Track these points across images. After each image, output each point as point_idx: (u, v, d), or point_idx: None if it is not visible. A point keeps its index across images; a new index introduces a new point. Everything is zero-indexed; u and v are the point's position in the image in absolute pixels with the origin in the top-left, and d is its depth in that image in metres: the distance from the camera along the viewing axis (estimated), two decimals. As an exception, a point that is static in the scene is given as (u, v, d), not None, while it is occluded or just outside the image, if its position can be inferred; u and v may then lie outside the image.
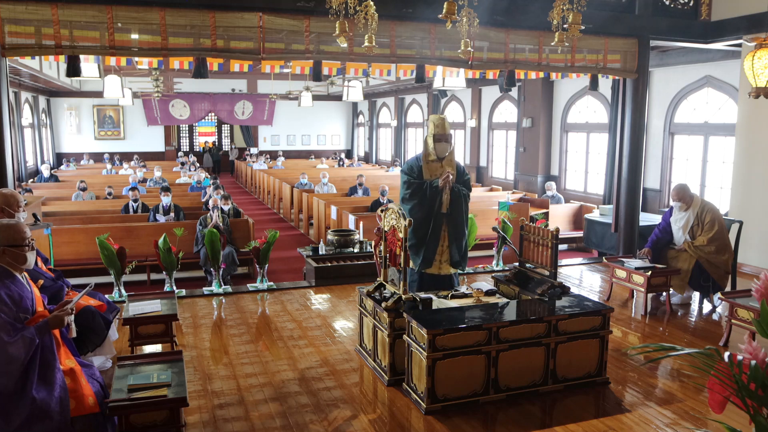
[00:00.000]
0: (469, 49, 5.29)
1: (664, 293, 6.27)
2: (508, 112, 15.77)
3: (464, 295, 4.79)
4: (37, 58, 11.53)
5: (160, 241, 6.49)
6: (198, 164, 21.40)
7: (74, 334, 3.45)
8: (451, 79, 9.98)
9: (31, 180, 15.21)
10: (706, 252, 6.14)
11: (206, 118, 25.13)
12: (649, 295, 6.24)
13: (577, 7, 4.86)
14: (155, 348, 4.95)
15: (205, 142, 27.02)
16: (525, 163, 14.27)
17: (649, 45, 8.11)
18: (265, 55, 6.41)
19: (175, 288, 6.49)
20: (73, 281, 5.09)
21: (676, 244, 6.42)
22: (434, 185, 5.11)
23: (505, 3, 6.92)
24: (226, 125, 26.66)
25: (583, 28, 4.92)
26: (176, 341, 4.82)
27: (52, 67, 15.28)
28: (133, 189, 10.20)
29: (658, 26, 7.92)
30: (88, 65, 9.87)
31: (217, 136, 27.48)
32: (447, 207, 5.13)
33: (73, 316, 3.31)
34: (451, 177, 5.11)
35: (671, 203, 6.43)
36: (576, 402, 4.19)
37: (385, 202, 10.08)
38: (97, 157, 21.81)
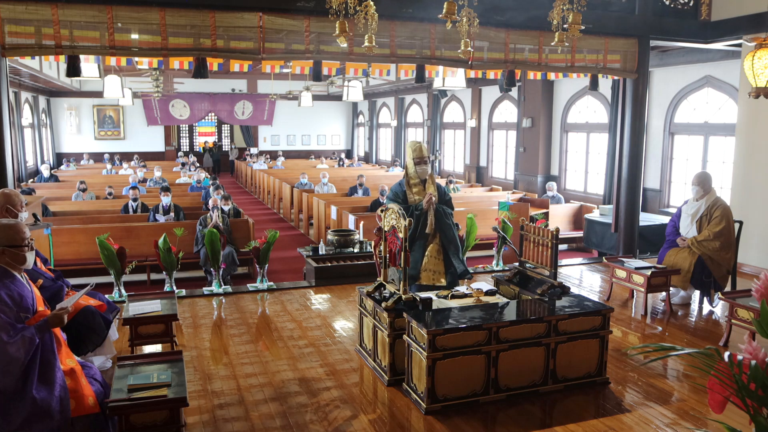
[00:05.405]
0: (469, 49, 5.30)
1: (664, 293, 6.28)
2: (508, 112, 15.77)
3: (464, 295, 4.79)
4: (37, 58, 11.53)
5: (160, 241, 6.49)
6: (198, 164, 21.39)
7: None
8: (451, 79, 9.98)
9: (31, 180, 15.20)
10: (711, 248, 6.12)
11: (206, 118, 25.13)
12: (650, 295, 6.23)
13: (577, 7, 4.86)
14: (155, 348, 4.96)
15: (205, 142, 27.01)
16: (525, 163, 14.26)
17: (649, 45, 8.11)
18: (265, 55, 6.41)
19: (175, 288, 6.49)
20: (73, 281, 5.09)
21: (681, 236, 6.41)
22: (419, 208, 5.37)
23: (505, 3, 6.92)
24: (226, 125, 26.66)
25: (583, 28, 4.92)
26: (176, 341, 4.82)
27: (52, 67, 15.28)
28: (133, 189, 10.20)
29: (658, 26, 7.92)
30: (88, 65, 9.89)
31: (217, 136, 27.48)
32: (432, 227, 5.37)
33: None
34: (434, 198, 5.35)
35: (690, 188, 6.45)
36: (576, 402, 4.20)
37: (384, 201, 10.07)
38: (97, 157, 21.80)
